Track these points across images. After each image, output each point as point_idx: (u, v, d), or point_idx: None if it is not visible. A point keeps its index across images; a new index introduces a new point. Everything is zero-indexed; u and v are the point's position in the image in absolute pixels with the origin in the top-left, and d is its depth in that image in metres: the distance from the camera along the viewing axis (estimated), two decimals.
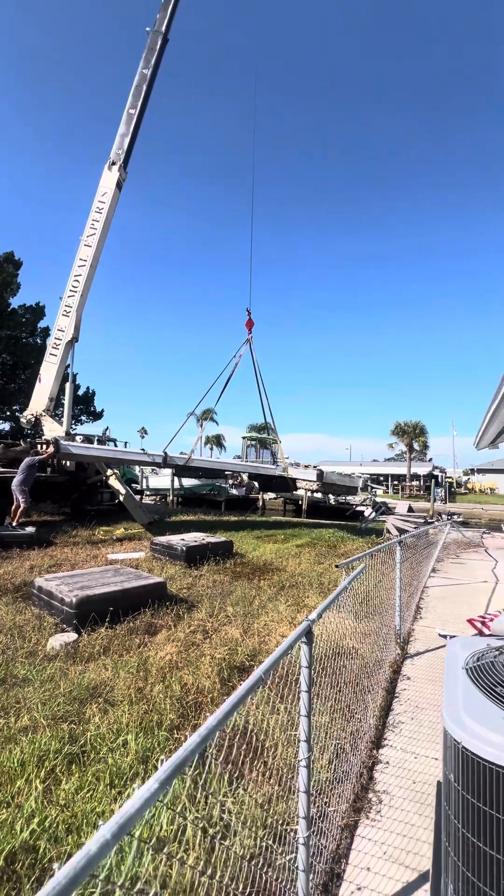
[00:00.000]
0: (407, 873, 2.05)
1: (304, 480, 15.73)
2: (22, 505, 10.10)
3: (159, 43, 14.76)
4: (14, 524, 9.75)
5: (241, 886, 1.86)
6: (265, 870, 1.96)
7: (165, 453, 13.97)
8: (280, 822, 2.23)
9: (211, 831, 2.16)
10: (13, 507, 10.18)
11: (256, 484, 21.08)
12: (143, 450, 14.12)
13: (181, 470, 14.06)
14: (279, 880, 1.92)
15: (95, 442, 16.36)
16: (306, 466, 17.31)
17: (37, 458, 10.99)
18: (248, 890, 1.85)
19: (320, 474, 15.15)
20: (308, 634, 1.78)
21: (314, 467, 16.18)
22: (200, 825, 2.13)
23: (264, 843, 2.12)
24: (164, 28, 14.79)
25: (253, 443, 27.61)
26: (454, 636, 2.69)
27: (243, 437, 26.35)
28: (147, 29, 14.95)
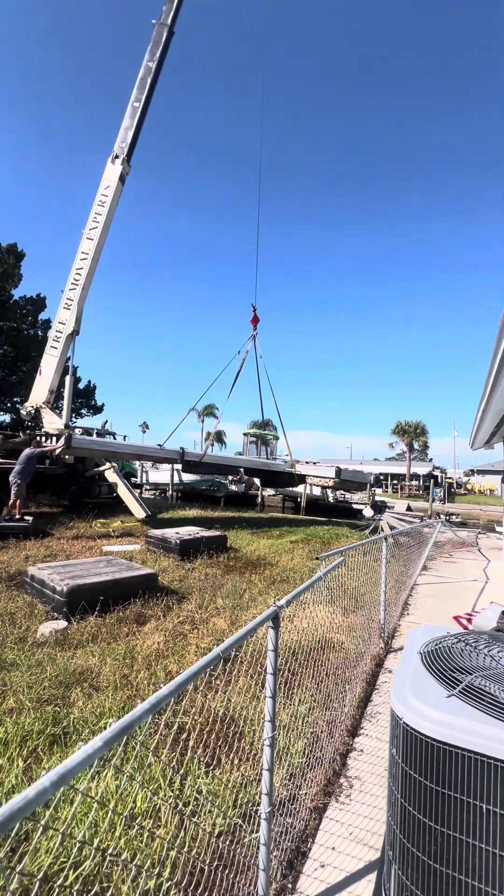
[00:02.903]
0: (370, 853, 2.13)
1: (320, 477, 15.99)
2: (12, 497, 10.12)
3: (165, 35, 14.72)
4: (11, 514, 9.81)
5: (207, 859, 1.95)
6: (233, 846, 2.05)
7: (182, 450, 14.12)
8: (250, 803, 2.31)
9: (183, 809, 2.24)
10: (10, 500, 10.25)
11: (256, 480, 21.22)
12: (159, 445, 14.11)
13: (195, 466, 14.15)
14: (245, 856, 2.00)
15: (95, 435, 16.47)
16: (315, 464, 17.44)
17: (37, 450, 11.04)
18: (215, 863, 1.93)
19: (338, 471, 15.44)
20: (275, 619, 1.85)
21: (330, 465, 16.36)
22: (172, 803, 2.21)
23: (234, 822, 2.20)
24: (170, 20, 14.74)
25: (254, 439, 27.73)
26: None
27: (244, 433, 26.44)
28: (153, 21, 14.91)
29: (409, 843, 1.27)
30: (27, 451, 10.70)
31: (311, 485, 17.33)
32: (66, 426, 14.50)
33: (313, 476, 16.07)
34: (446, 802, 1.19)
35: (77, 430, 14.76)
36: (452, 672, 1.47)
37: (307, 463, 17.15)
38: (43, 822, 0.83)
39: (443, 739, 1.19)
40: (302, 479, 16.42)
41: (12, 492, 10.16)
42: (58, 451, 11.73)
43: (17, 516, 9.81)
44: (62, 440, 11.29)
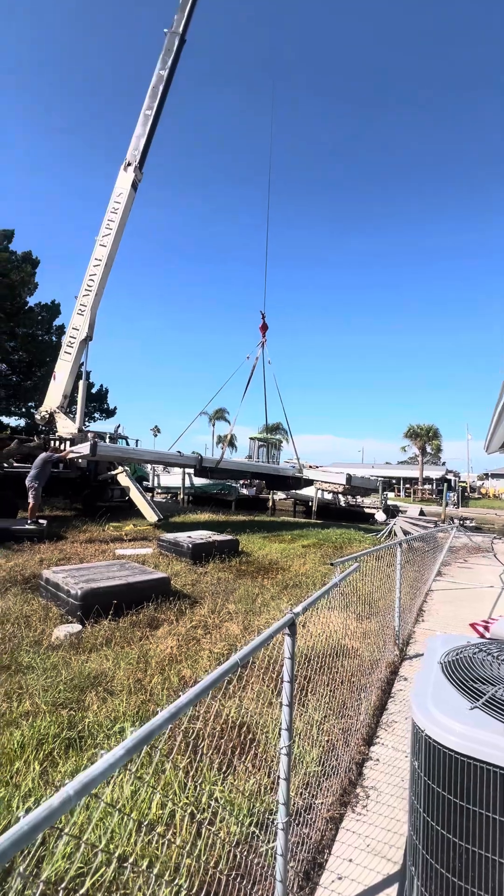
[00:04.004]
0: (388, 866, 2.09)
1: (330, 483, 16.26)
2: (31, 501, 10.24)
3: (176, 44, 14.93)
4: (29, 521, 9.90)
5: (224, 868, 1.93)
6: (249, 856, 2.03)
7: (200, 456, 14.41)
8: (265, 811, 2.29)
9: (199, 817, 2.23)
10: (30, 504, 10.36)
11: (263, 482, 21.39)
12: (179, 452, 14.41)
13: (210, 472, 14.41)
14: (261, 865, 1.98)
15: (107, 439, 16.64)
16: (321, 468, 17.60)
17: (54, 455, 11.14)
18: (233, 873, 1.92)
19: (349, 478, 15.66)
20: (291, 626, 1.83)
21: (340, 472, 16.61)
22: (188, 810, 2.20)
23: (250, 831, 2.18)
24: (181, 29, 14.94)
25: (263, 443, 27.81)
26: None
27: (251, 438, 26.63)
28: (165, 30, 15.13)
29: (431, 859, 1.24)
30: (43, 455, 10.82)
31: (320, 489, 17.55)
32: (80, 430, 14.68)
33: (322, 481, 16.34)
34: (470, 818, 1.16)
35: (89, 435, 14.94)
36: (474, 683, 1.44)
37: (314, 467, 17.36)
38: (67, 830, 0.83)
39: (467, 753, 1.16)
40: (308, 482, 16.70)
41: (30, 496, 10.27)
42: (80, 457, 11.84)
43: (31, 520, 9.92)
44: (88, 447, 11.45)
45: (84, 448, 11.67)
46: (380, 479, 21.23)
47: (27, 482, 10.37)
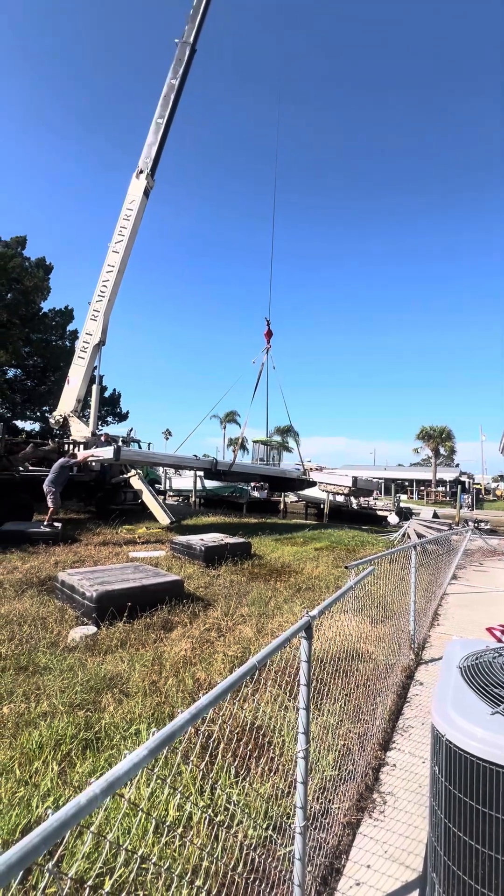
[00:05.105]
0: (407, 873, 2.07)
1: (335, 485, 16.81)
2: (51, 506, 10.31)
3: (187, 54, 15.10)
4: (45, 524, 10.00)
5: (243, 871, 1.93)
6: (267, 859, 2.03)
7: (215, 459, 15.09)
8: (282, 814, 2.29)
9: (217, 819, 2.23)
10: (50, 509, 10.35)
11: (267, 485, 21.90)
12: (195, 456, 15.03)
13: (222, 475, 14.82)
14: (279, 869, 1.98)
15: (120, 442, 16.84)
16: (324, 469, 17.94)
17: (71, 460, 11.23)
18: (251, 876, 1.92)
19: (355, 480, 16.12)
20: (308, 629, 1.83)
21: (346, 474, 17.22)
22: (206, 813, 2.20)
23: (267, 834, 2.18)
24: (192, 39, 15.12)
25: (272, 445, 28.03)
26: None
27: (254, 441, 27.09)
28: (176, 40, 15.32)
29: (453, 865, 1.23)
30: (60, 460, 10.90)
31: (327, 492, 18.19)
32: (94, 433, 14.86)
33: (327, 483, 16.98)
34: (493, 824, 1.15)
35: (102, 438, 15.12)
36: (494, 688, 1.43)
37: (320, 469, 17.89)
38: (93, 829, 0.84)
39: (489, 759, 1.15)
40: (311, 483, 17.39)
41: (49, 500, 10.34)
42: (81, 460, 12.00)
43: (47, 523, 10.04)
44: (112, 451, 11.68)
45: (108, 452, 11.82)
46: (380, 480, 21.70)
47: (45, 486, 10.47)
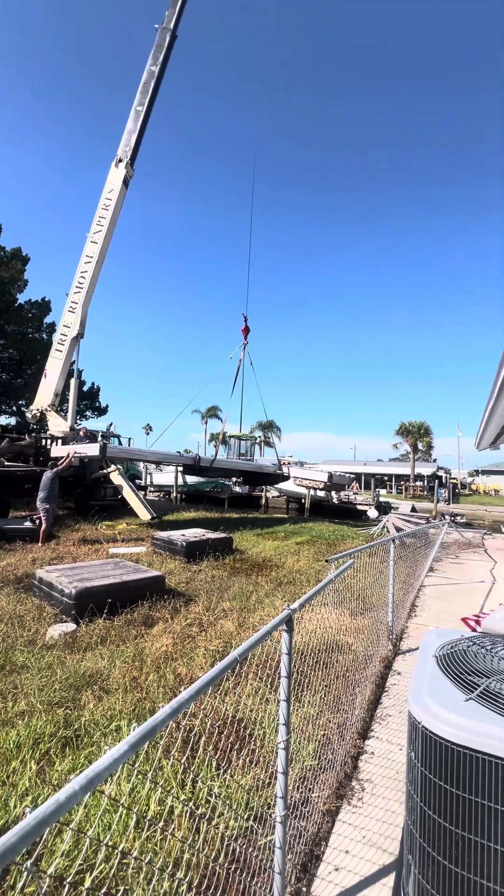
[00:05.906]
0: (384, 856, 2.12)
1: (311, 479, 17.59)
2: (44, 524, 9.60)
3: (168, 40, 14.82)
4: (41, 544, 9.19)
5: (224, 861, 1.95)
6: (248, 849, 2.05)
7: (198, 455, 15.17)
8: (263, 805, 2.31)
9: (198, 812, 2.24)
10: (44, 527, 9.57)
11: (241, 479, 22.41)
12: (178, 452, 15.01)
13: (204, 470, 14.96)
14: (260, 858, 2.01)
15: (100, 437, 16.56)
16: (302, 464, 18.53)
17: (55, 469, 10.55)
18: (232, 866, 1.94)
19: (330, 476, 16.82)
20: (289, 623, 1.85)
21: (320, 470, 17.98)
22: (188, 806, 2.21)
23: (248, 825, 2.20)
24: (172, 25, 14.83)
25: (252, 440, 28.25)
26: None
27: (230, 436, 27.34)
28: (156, 26, 15.00)
29: (429, 847, 1.27)
30: (47, 473, 10.16)
31: (304, 486, 18.95)
32: (72, 428, 14.59)
33: (302, 478, 17.79)
34: (466, 806, 1.19)
35: (81, 432, 14.86)
36: (469, 675, 1.47)
37: (296, 465, 18.55)
38: (72, 826, 0.84)
39: (462, 743, 1.19)
40: (286, 477, 18.32)
41: (42, 518, 9.66)
42: (64, 467, 11.48)
43: (42, 543, 9.26)
44: (97, 448, 11.44)
45: (93, 449, 11.54)
46: (360, 475, 22.63)
47: (38, 504, 9.79)
